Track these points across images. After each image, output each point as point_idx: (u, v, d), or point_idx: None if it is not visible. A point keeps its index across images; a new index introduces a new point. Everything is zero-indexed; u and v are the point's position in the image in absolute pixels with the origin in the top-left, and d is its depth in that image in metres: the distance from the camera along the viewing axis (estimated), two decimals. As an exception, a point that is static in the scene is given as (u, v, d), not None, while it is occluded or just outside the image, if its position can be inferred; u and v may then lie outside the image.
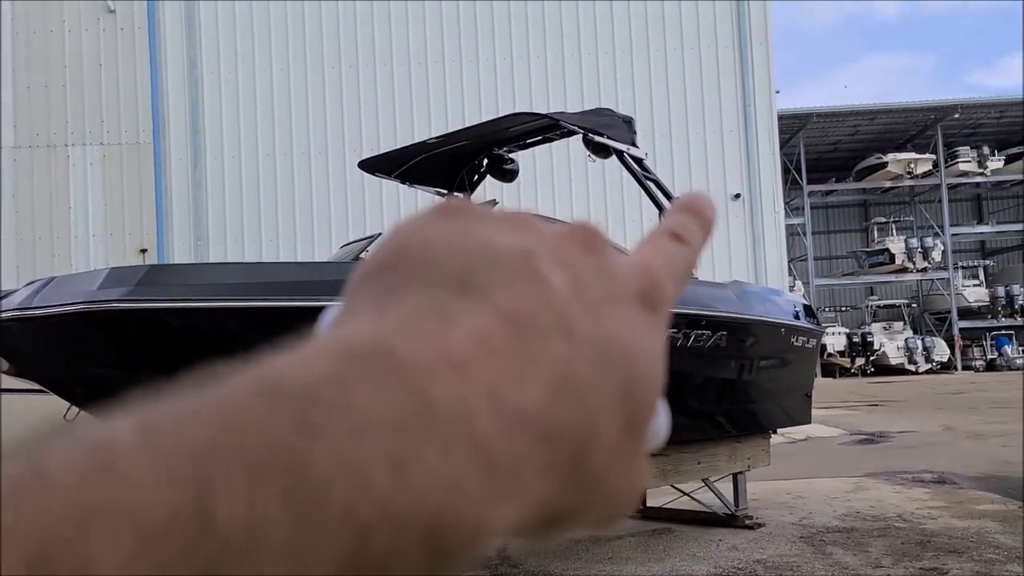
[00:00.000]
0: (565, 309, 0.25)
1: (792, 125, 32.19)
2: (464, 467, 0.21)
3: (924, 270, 33.96)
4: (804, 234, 34.30)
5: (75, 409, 3.95)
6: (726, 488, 5.69)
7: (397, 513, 0.20)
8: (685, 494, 5.72)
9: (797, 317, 5.81)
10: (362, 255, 5.11)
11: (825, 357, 31.98)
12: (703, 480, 5.50)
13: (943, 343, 32.67)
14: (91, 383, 3.70)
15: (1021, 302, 33.60)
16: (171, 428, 0.20)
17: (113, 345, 3.51)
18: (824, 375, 31.27)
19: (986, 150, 34.20)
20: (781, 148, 26.13)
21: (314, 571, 0.19)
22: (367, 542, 0.20)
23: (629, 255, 0.30)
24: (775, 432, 6.30)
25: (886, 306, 37.35)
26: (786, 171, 32.27)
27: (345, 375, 0.21)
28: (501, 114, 5.91)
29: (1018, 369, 31.33)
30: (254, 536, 0.19)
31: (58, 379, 3.81)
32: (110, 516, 0.18)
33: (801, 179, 34.27)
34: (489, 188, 7.08)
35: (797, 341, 5.68)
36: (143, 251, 13.74)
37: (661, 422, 0.29)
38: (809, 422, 6.41)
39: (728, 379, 5.13)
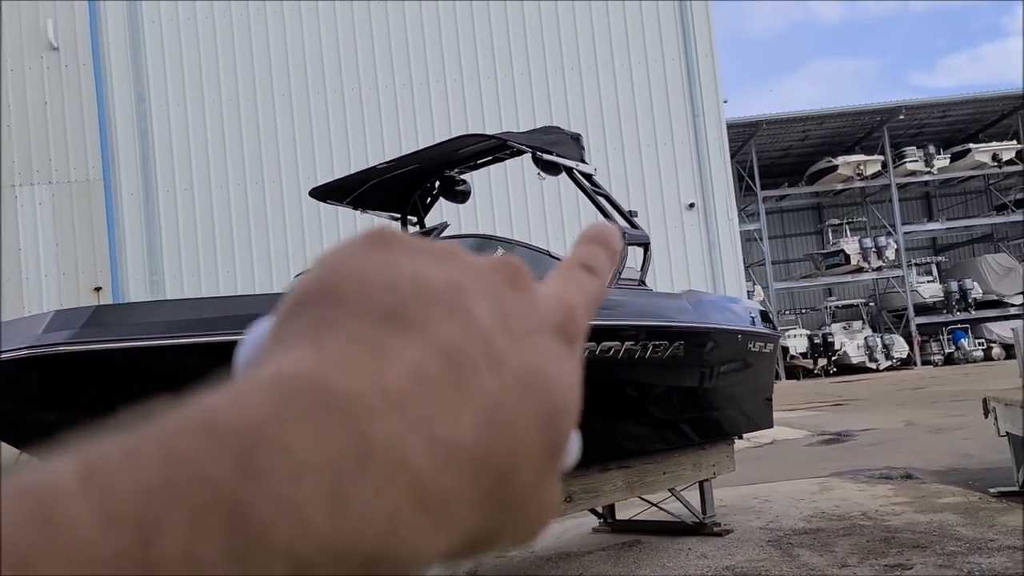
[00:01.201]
0: (494, 342, 0.26)
1: (743, 133, 32.67)
2: (400, 502, 0.22)
3: (879, 269, 34.56)
4: (761, 239, 34.73)
5: (27, 456, 3.87)
6: (693, 496, 5.72)
7: (336, 549, 0.21)
8: (653, 505, 5.74)
9: (753, 323, 5.88)
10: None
11: (788, 359, 32.37)
12: (670, 490, 5.53)
13: (902, 340, 33.23)
14: (42, 429, 3.62)
15: (974, 296, 34.32)
16: (112, 470, 0.20)
17: (62, 389, 3.44)
18: (788, 377, 31.62)
19: (932, 149, 34.97)
20: (733, 156, 26.46)
21: None
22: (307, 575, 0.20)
23: (545, 287, 0.31)
24: (740, 437, 6.35)
25: (844, 306, 37.93)
26: (740, 178, 32.70)
27: (285, 414, 0.22)
28: (452, 136, 5.93)
29: (975, 361, 31.97)
30: None
31: (7, 426, 3.73)
32: (49, 563, 0.18)
33: (755, 185, 34.73)
34: (445, 210, 7.09)
35: (754, 346, 5.74)
36: (97, 289, 13.51)
37: (573, 445, 0.30)
38: (771, 426, 6.47)
39: (689, 387, 5.17)
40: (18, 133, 14.10)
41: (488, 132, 6.69)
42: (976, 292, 34.32)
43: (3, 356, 3.35)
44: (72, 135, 14.15)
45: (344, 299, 0.26)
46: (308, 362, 0.24)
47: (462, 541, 0.25)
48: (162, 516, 0.19)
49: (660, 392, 4.97)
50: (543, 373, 0.27)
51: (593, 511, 5.79)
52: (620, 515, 6.04)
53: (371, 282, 0.26)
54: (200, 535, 0.20)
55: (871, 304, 38.45)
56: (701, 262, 13.63)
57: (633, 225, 5.52)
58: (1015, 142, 34.71)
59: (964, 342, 33.57)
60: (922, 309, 34.62)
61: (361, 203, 6.10)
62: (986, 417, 6.23)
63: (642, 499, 5.57)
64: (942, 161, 34.90)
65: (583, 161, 5.39)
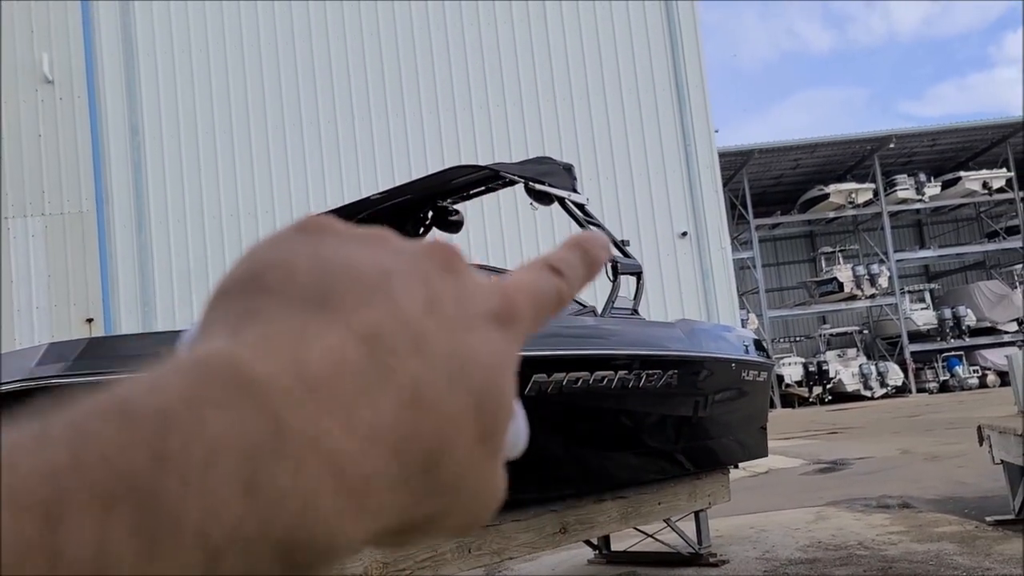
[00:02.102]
0: (419, 326, 0.26)
1: (735, 161, 32.87)
2: (316, 485, 0.22)
3: (872, 296, 34.63)
4: (754, 267, 34.83)
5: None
6: (689, 527, 5.68)
7: (248, 533, 0.21)
8: (648, 535, 5.70)
9: (747, 351, 5.88)
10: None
11: (783, 388, 32.31)
12: (665, 520, 5.49)
13: (896, 367, 33.20)
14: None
15: (968, 323, 34.36)
16: (20, 454, 0.20)
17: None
18: (783, 405, 31.55)
19: (923, 177, 35.21)
20: (726, 184, 26.61)
21: None
22: (218, 563, 0.20)
23: (501, 278, 0.31)
24: (736, 467, 6.32)
25: (839, 334, 37.95)
26: (732, 206, 32.85)
27: (199, 397, 0.22)
28: (445, 166, 5.95)
29: (970, 389, 31.93)
30: (103, 568, 0.19)
31: None
32: None
33: (747, 213, 34.89)
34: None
35: (748, 375, 5.73)
36: (89, 321, 13.46)
37: (520, 430, 0.30)
38: (766, 455, 6.45)
39: (683, 416, 5.15)
40: (12, 165, 14.12)
41: (480, 163, 6.73)
42: (970, 319, 34.36)
43: (-6, 389, 3.32)
44: (66, 167, 14.18)
45: (269, 288, 0.26)
46: (226, 348, 0.24)
47: (393, 524, 0.25)
48: (70, 502, 0.19)
49: (654, 421, 4.95)
50: (472, 358, 0.27)
51: (588, 542, 5.75)
52: (615, 546, 5.99)
53: (296, 269, 0.26)
54: (109, 524, 0.19)
55: (865, 332, 38.49)
56: (694, 291, 13.65)
57: (626, 254, 5.54)
58: (1005, 170, 34.99)
59: (959, 369, 33.57)
60: (916, 336, 34.64)
61: (354, 234, 6.11)
62: (981, 445, 6.21)
63: (637, 530, 5.52)
64: (933, 189, 35.13)
65: (575, 191, 5.42)
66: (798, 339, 39.39)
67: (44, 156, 14.20)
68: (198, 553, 0.20)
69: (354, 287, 0.26)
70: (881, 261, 35.30)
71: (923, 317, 35.05)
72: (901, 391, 32.88)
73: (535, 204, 5.31)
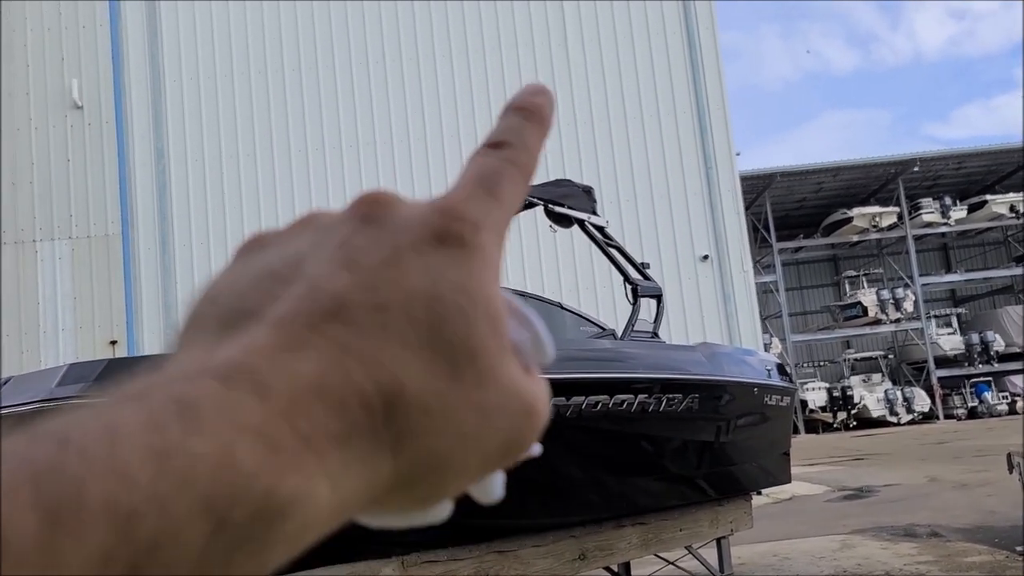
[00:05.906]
0: (334, 292, 0.26)
1: (757, 185, 32.73)
2: (232, 446, 0.23)
3: (897, 321, 34.22)
4: (777, 291, 34.56)
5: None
6: (710, 554, 5.59)
7: (163, 492, 0.22)
8: (669, 563, 5.62)
9: (770, 376, 5.80)
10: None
11: (807, 413, 31.92)
12: (686, 547, 5.41)
13: (923, 393, 32.71)
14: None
15: (996, 348, 33.83)
16: None
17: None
18: (807, 431, 31.17)
19: (948, 200, 34.84)
20: (748, 207, 26.51)
21: (73, 563, 0.20)
22: (134, 526, 0.21)
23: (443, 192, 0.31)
24: (758, 493, 6.23)
25: (863, 359, 37.48)
26: (755, 230, 32.69)
27: (104, 402, 0.23)
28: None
29: (999, 415, 31.37)
30: (6, 543, 0.20)
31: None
32: None
33: (770, 237, 34.67)
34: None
35: (771, 400, 5.65)
36: (113, 343, 13.58)
37: (539, 334, 0.29)
38: (789, 481, 6.34)
39: (704, 441, 5.09)
40: (40, 189, 14.34)
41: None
42: (998, 344, 33.83)
43: (15, 410, 3.35)
44: (93, 191, 14.38)
45: (196, 319, 0.29)
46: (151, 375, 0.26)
47: (366, 478, 0.25)
48: None
49: (675, 446, 4.89)
50: (411, 291, 0.27)
51: (608, 569, 5.67)
52: (635, 572, 5.91)
53: (220, 293, 0.29)
54: (11, 498, 0.20)
55: (890, 356, 38.00)
56: (716, 314, 13.56)
57: (646, 277, 5.51)
58: (1033, 193, 34.58)
59: (987, 395, 33.00)
60: (943, 362, 34.13)
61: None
62: (1011, 473, 6.09)
63: (658, 557, 5.44)
64: (959, 212, 34.73)
65: (595, 213, 5.40)
66: (822, 364, 38.95)
67: (72, 180, 14.41)
68: (106, 519, 0.21)
69: (267, 288, 0.27)
70: (906, 285, 34.91)
71: (950, 342, 34.55)
72: (928, 417, 32.38)
73: (554, 227, 5.30)
